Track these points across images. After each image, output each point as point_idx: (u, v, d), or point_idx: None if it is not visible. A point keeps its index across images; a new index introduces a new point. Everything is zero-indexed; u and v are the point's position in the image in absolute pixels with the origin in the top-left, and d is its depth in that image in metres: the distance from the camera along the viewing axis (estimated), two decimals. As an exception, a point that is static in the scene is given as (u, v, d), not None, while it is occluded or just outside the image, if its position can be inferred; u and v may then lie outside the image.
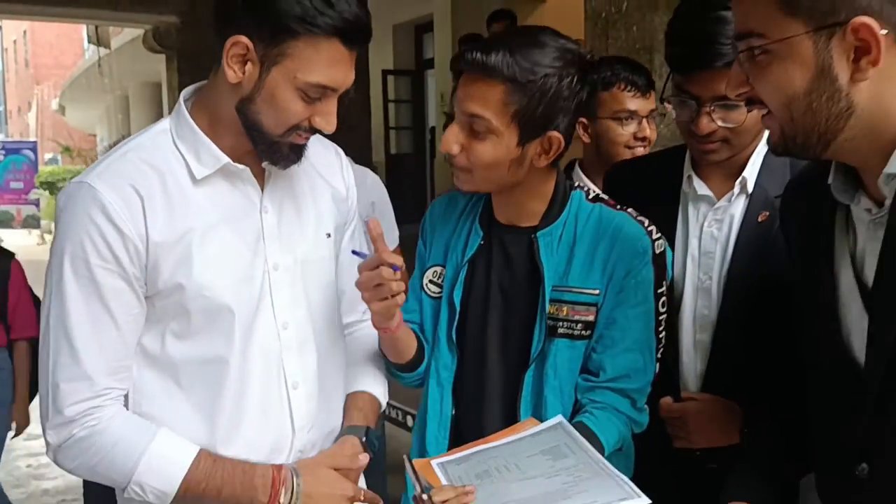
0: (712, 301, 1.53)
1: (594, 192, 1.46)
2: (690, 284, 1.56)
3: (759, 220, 1.49)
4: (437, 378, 1.46)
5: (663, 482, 1.35)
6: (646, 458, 1.50)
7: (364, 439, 1.38)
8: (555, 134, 1.32)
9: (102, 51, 11.14)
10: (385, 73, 9.28)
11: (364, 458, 1.35)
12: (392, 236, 2.69)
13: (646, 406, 1.41)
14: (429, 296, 1.50)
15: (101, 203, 1.18)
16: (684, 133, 1.52)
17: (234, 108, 1.23)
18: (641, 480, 1.43)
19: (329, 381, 1.40)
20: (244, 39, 1.17)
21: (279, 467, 1.28)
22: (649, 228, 1.39)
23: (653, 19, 2.91)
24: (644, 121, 2.21)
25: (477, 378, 1.44)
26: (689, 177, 1.57)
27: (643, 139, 2.20)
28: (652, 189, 1.60)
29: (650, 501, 1.15)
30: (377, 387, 1.48)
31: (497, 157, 1.32)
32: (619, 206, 1.43)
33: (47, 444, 1.23)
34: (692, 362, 1.57)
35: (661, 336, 1.42)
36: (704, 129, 1.45)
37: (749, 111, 1.06)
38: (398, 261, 1.25)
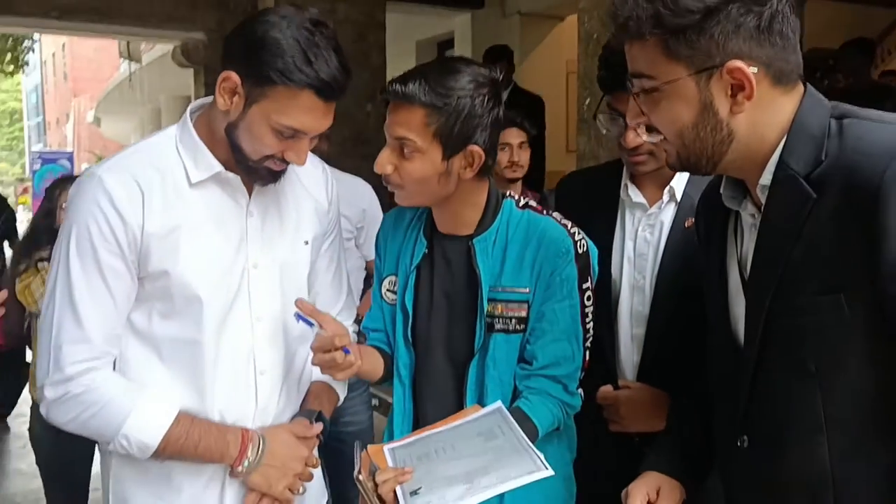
0: (646, 298, 1.68)
1: (524, 200, 1.62)
2: (627, 283, 1.70)
3: (686, 225, 1.65)
4: (399, 377, 1.64)
5: (605, 463, 1.49)
6: (589, 443, 1.66)
7: (313, 421, 1.54)
8: (475, 148, 1.48)
9: (134, 65, 11.48)
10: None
11: (317, 427, 1.54)
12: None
13: (578, 391, 1.57)
14: (387, 303, 1.67)
15: (108, 192, 1.36)
16: (616, 147, 1.69)
17: (224, 130, 1.39)
18: (584, 462, 1.57)
19: (293, 372, 1.57)
20: (234, 76, 1.34)
21: (246, 429, 1.47)
22: (572, 231, 1.55)
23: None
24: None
25: (429, 373, 1.61)
26: (626, 185, 1.71)
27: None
28: (595, 197, 1.76)
29: (553, 473, 1.31)
30: (337, 383, 1.64)
31: (425, 172, 1.47)
32: (545, 212, 1.58)
33: (43, 398, 1.39)
34: (630, 354, 1.70)
35: (588, 327, 1.56)
36: (631, 143, 1.63)
37: (650, 136, 1.20)
38: (346, 342, 1.42)
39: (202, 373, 1.44)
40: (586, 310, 1.55)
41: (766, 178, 1.12)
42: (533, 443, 1.41)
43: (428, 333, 1.60)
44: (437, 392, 1.60)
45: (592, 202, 1.76)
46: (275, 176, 1.44)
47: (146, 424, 1.38)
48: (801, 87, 1.13)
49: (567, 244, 1.52)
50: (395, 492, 1.35)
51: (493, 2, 7.01)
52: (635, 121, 1.17)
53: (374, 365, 1.63)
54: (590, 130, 3.94)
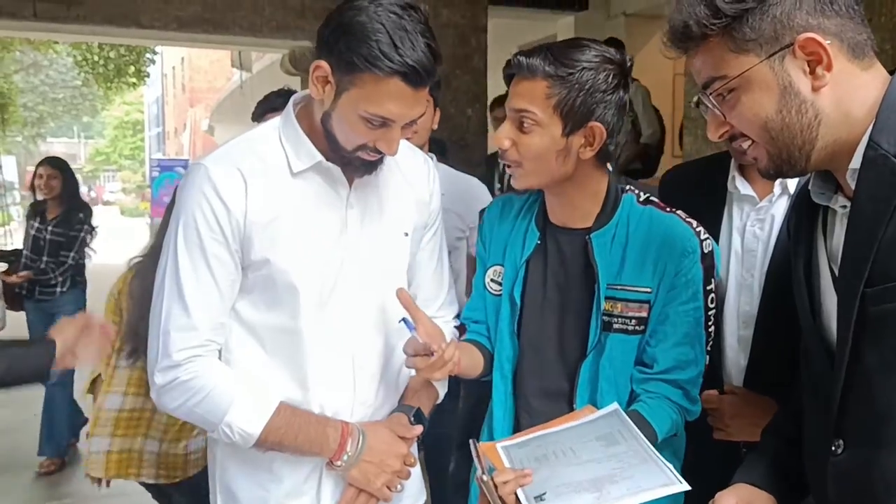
0: (754, 297, 1.58)
1: (645, 195, 1.53)
2: (734, 281, 1.61)
3: None
4: (501, 370, 1.58)
5: (710, 472, 1.41)
6: (694, 450, 1.58)
7: (412, 418, 1.52)
8: (596, 125, 1.42)
9: (245, 74, 11.94)
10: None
11: (417, 429, 1.51)
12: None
13: (698, 397, 1.49)
14: (491, 293, 1.61)
15: (212, 182, 1.38)
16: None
17: (320, 120, 1.40)
18: (688, 471, 1.49)
19: (391, 366, 1.55)
20: (325, 65, 1.34)
21: (347, 423, 1.46)
22: (697, 229, 1.46)
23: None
24: None
25: (536, 369, 1.55)
26: (734, 177, 1.61)
27: None
28: (701, 190, 1.66)
29: (689, 488, 1.21)
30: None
31: (544, 147, 1.42)
32: (668, 209, 1.50)
33: (153, 384, 1.43)
34: (736, 356, 1.61)
35: (710, 330, 1.49)
36: (714, 135, 1.52)
37: (736, 146, 1.16)
38: (439, 345, 1.38)
39: (303, 363, 1.45)
40: (710, 313, 1.48)
41: (857, 160, 1.06)
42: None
43: (538, 328, 1.55)
44: (544, 389, 1.55)
45: (698, 195, 1.68)
46: (371, 167, 1.44)
47: (248, 413, 1.40)
48: (879, 65, 1.07)
49: (693, 243, 1.45)
50: (516, 494, 1.30)
51: (598, 3, 6.90)
52: (718, 132, 1.13)
53: (473, 361, 1.59)
54: (697, 130, 3.81)
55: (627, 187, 1.55)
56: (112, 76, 14.43)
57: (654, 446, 1.38)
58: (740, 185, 1.63)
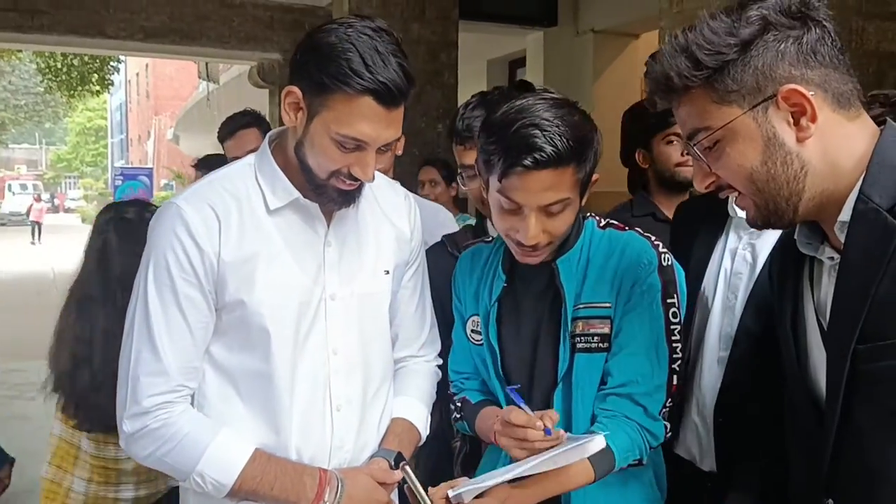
0: (735, 320, 1.58)
1: (605, 220, 1.56)
2: (719, 302, 1.64)
3: None
4: None
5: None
6: (678, 481, 1.55)
7: (392, 462, 1.47)
8: (594, 177, 1.46)
9: (212, 86, 11.83)
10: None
11: (398, 474, 1.46)
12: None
13: (660, 416, 1.45)
14: (475, 344, 1.61)
15: (185, 221, 1.34)
16: None
17: (293, 150, 1.37)
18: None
19: (372, 408, 1.51)
20: (296, 90, 1.31)
21: (324, 470, 1.41)
22: (655, 243, 1.49)
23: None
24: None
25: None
26: (733, 198, 1.63)
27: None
28: (706, 214, 1.70)
29: (604, 433, 1.31)
30: (419, 419, 1.59)
31: (571, 221, 1.45)
32: (627, 228, 1.53)
33: (122, 432, 1.37)
34: (714, 378, 1.61)
35: (674, 346, 1.46)
36: (700, 186, 1.58)
37: (723, 196, 1.15)
38: (550, 423, 1.33)
39: (278, 408, 1.40)
40: (672, 326, 1.45)
41: (846, 213, 1.04)
42: (609, 471, 1.35)
43: (516, 365, 1.54)
44: None
45: (703, 220, 1.70)
46: (348, 198, 1.40)
47: (222, 462, 1.35)
48: (866, 116, 1.07)
49: (650, 255, 1.46)
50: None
51: (567, 20, 6.95)
52: (705, 182, 1.12)
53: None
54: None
55: (589, 214, 1.57)
56: (75, 84, 14.18)
57: (615, 469, 1.40)
58: (738, 210, 1.65)
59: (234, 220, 1.38)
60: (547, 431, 1.32)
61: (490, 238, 1.59)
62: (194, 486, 1.37)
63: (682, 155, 2.41)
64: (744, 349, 1.57)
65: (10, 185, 41.95)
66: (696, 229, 1.63)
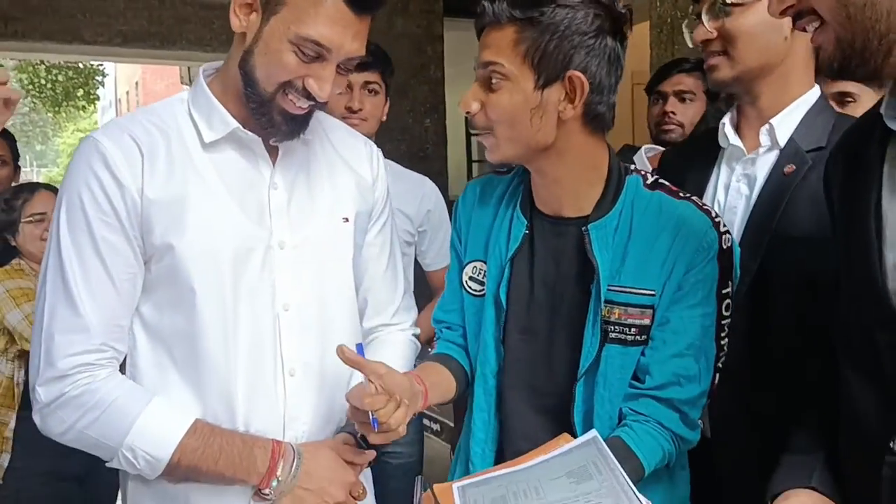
0: None
1: (652, 176, 1.30)
2: None
3: (785, 172, 1.37)
4: (484, 385, 1.34)
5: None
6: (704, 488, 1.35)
7: (359, 437, 1.29)
8: (576, 73, 1.18)
9: (196, 91, 11.69)
10: (468, 107, 9.31)
11: (369, 454, 1.28)
12: (446, 248, 2.59)
13: (699, 422, 1.24)
14: (470, 294, 1.38)
15: (102, 154, 1.16)
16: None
17: (238, 65, 1.19)
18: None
19: (333, 374, 1.30)
20: None
21: (279, 442, 1.22)
22: (717, 220, 1.24)
23: (721, 21, 2.77)
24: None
25: (525, 386, 1.31)
26: (723, 125, 1.48)
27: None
28: (693, 153, 1.56)
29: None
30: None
31: (514, 104, 1.20)
32: (682, 194, 1.27)
33: (36, 403, 1.18)
34: None
35: (722, 344, 1.24)
36: (699, 37, 1.43)
37: (799, 28, 0.94)
38: (379, 408, 1.13)
39: (214, 373, 1.22)
40: (723, 322, 1.24)
41: None
42: (636, 484, 1.09)
43: (526, 336, 1.31)
44: (535, 408, 1.30)
45: (692, 157, 1.54)
46: (293, 126, 1.23)
47: (155, 433, 1.17)
48: None
49: (711, 237, 1.21)
50: None
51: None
52: (782, 5, 0.91)
53: (443, 386, 1.35)
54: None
55: (633, 167, 1.33)
56: (60, 99, 14.06)
57: (640, 480, 1.18)
58: (729, 135, 1.49)
59: (160, 154, 1.20)
60: (374, 423, 1.12)
61: (505, 169, 1.37)
62: (124, 464, 1.19)
63: (658, 115, 2.38)
64: (739, 288, 1.40)
65: None
66: (686, 168, 1.48)
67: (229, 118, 1.24)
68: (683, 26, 1.55)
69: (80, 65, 14.17)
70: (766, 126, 1.43)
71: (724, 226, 1.24)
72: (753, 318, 1.37)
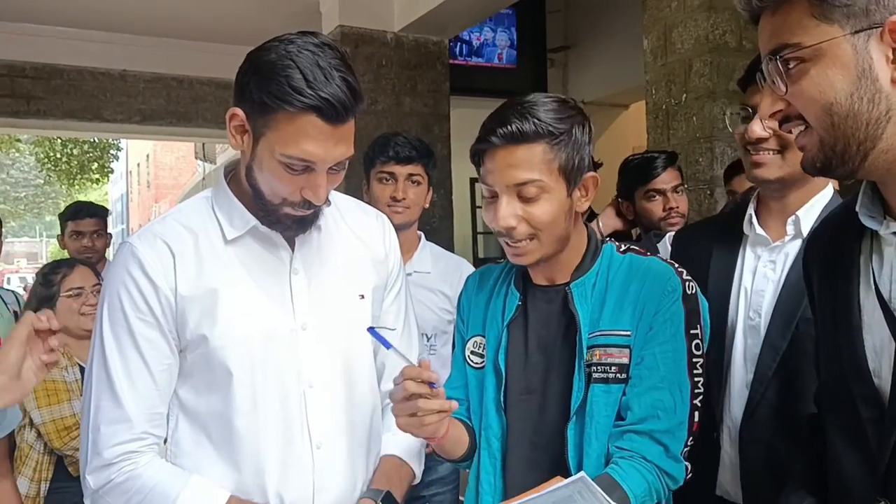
0: (760, 339, 1.51)
1: (625, 245, 1.48)
2: (741, 323, 1.57)
3: None
4: (488, 450, 1.45)
5: None
6: None
7: (380, 501, 1.37)
8: (590, 175, 1.39)
9: (209, 166, 11.98)
10: (472, 180, 9.50)
11: None
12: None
13: (681, 457, 1.34)
14: (472, 367, 1.51)
15: (137, 258, 1.29)
16: (741, 149, 1.60)
17: (244, 177, 1.32)
18: None
19: (357, 444, 1.41)
20: (240, 112, 1.26)
21: None
22: (679, 270, 1.40)
23: (712, 109, 2.94)
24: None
25: (523, 441, 1.43)
26: (750, 215, 1.60)
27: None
28: (716, 238, 1.66)
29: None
30: (411, 456, 1.49)
31: (555, 212, 1.37)
32: (649, 254, 1.44)
33: (86, 490, 1.29)
34: (741, 402, 1.53)
35: (696, 380, 1.36)
36: (755, 134, 1.52)
37: (785, 130, 1.04)
38: (432, 377, 1.25)
39: (246, 450, 1.31)
40: (694, 360, 1.37)
41: None
42: None
43: (523, 396, 1.44)
44: (533, 461, 1.41)
45: (713, 243, 1.66)
46: (302, 224, 1.34)
47: None
48: None
49: (674, 282, 1.37)
50: None
51: (556, 91, 7.07)
52: (771, 109, 1.02)
53: (457, 438, 1.45)
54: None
55: (607, 238, 1.51)
56: (75, 172, 14.37)
57: None
58: (755, 225, 1.61)
59: (189, 254, 1.32)
60: (432, 385, 1.24)
61: (502, 259, 1.53)
62: None
63: (662, 210, 2.50)
64: (769, 364, 1.51)
65: (8, 279, 42.00)
66: (710, 253, 1.58)
67: (248, 216, 1.34)
68: (727, 121, 1.65)
69: (95, 139, 14.54)
70: (793, 217, 1.55)
71: (688, 275, 1.40)
72: (781, 392, 1.48)
